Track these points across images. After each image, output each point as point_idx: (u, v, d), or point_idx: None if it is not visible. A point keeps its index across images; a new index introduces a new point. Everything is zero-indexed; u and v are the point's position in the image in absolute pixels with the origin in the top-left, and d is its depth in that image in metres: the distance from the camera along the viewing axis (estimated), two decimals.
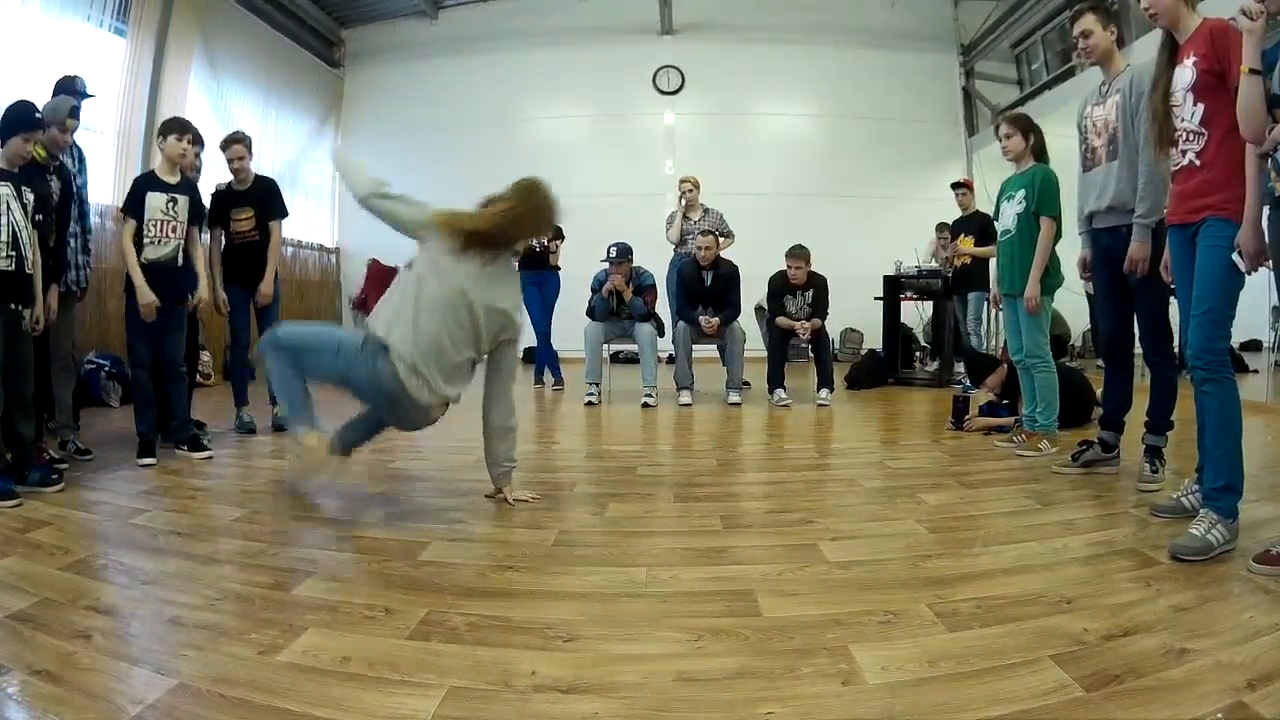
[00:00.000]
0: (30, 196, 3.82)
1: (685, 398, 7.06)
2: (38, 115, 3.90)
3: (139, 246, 4.58)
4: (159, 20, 8.93)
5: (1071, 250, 4.18)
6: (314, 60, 12.89)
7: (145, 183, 4.67)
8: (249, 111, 10.90)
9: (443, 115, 12.81)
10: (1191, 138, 2.93)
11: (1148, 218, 3.63)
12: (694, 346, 7.34)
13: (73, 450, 4.56)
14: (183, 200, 4.69)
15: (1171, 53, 3.05)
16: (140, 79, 8.73)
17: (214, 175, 5.78)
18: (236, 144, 5.55)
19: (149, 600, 2.39)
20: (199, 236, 4.93)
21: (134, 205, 4.60)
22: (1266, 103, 2.50)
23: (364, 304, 11.37)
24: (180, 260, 4.72)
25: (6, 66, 6.85)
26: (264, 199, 5.54)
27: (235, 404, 5.66)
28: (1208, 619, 2.14)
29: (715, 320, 7.12)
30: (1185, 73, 2.93)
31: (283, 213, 5.67)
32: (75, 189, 4.60)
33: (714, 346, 7.46)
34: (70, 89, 4.56)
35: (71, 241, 4.55)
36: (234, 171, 5.60)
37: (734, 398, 7.03)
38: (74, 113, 4.49)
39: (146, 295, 4.51)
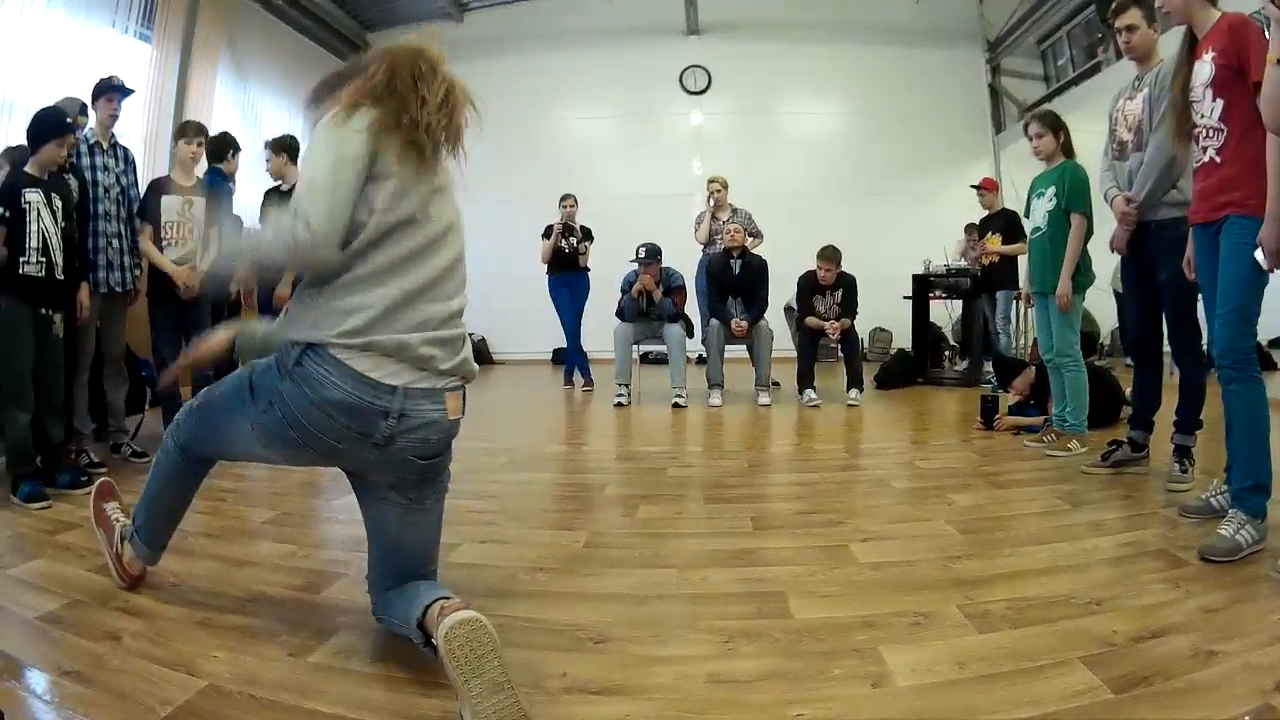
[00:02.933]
0: (59, 204, 3.91)
1: (715, 398, 7.05)
2: (69, 120, 4.00)
3: (159, 248, 4.73)
4: (184, 26, 9.03)
5: (1103, 248, 4.16)
6: (340, 64, 12.92)
7: (158, 187, 4.80)
8: (275, 115, 11.00)
9: (468, 117, 12.84)
10: (1211, 134, 2.91)
11: (1133, 199, 3.73)
12: (725, 346, 7.36)
13: (128, 454, 4.67)
14: (199, 202, 4.79)
15: (1192, 47, 3.04)
16: (166, 84, 8.83)
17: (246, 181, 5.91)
18: (266, 148, 5.69)
19: (178, 602, 2.41)
20: (215, 237, 4.95)
21: (147, 210, 4.75)
22: None
23: None
24: (199, 261, 4.81)
25: (33, 73, 6.98)
26: None
27: None
28: (1236, 620, 2.14)
29: (744, 323, 7.13)
30: (1204, 68, 2.91)
31: None
32: (123, 188, 4.74)
33: (744, 346, 7.47)
34: (109, 86, 4.66)
35: (115, 242, 4.65)
36: (269, 172, 5.74)
37: (764, 399, 7.01)
38: (83, 110, 4.61)
39: (181, 274, 4.65)
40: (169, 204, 4.71)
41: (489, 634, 1.69)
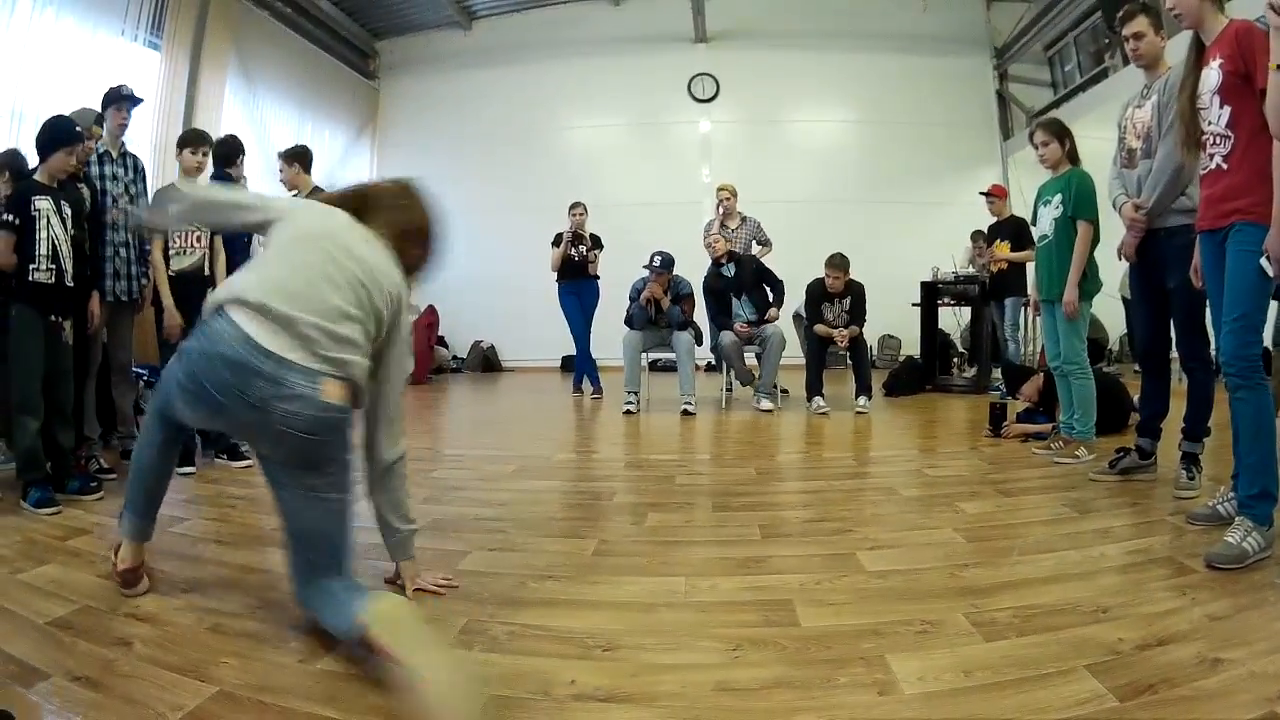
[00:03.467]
0: (69, 211, 3.95)
1: (766, 404, 7.12)
2: (78, 129, 4.03)
3: (166, 259, 4.73)
4: (193, 34, 9.12)
5: (1111, 256, 4.16)
6: (349, 72, 13.10)
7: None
8: (285, 124, 11.05)
9: (478, 125, 12.95)
10: (1219, 141, 2.90)
11: (1143, 205, 3.72)
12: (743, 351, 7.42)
13: None
14: None
15: (1199, 54, 3.03)
16: (176, 93, 8.92)
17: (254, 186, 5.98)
18: (279, 159, 5.74)
19: (189, 608, 2.42)
20: (222, 247, 5.00)
21: None
22: None
23: None
24: (207, 269, 4.84)
25: (42, 82, 7.04)
26: None
27: None
28: (1242, 628, 2.14)
29: (772, 310, 7.26)
30: (1211, 74, 2.90)
31: None
32: (132, 197, 4.77)
33: (755, 354, 7.47)
34: (118, 95, 4.70)
35: (123, 251, 4.68)
36: (283, 183, 5.86)
37: (765, 404, 7.03)
38: (99, 120, 4.65)
39: (173, 317, 4.62)
40: None
41: (410, 610, 1.99)
